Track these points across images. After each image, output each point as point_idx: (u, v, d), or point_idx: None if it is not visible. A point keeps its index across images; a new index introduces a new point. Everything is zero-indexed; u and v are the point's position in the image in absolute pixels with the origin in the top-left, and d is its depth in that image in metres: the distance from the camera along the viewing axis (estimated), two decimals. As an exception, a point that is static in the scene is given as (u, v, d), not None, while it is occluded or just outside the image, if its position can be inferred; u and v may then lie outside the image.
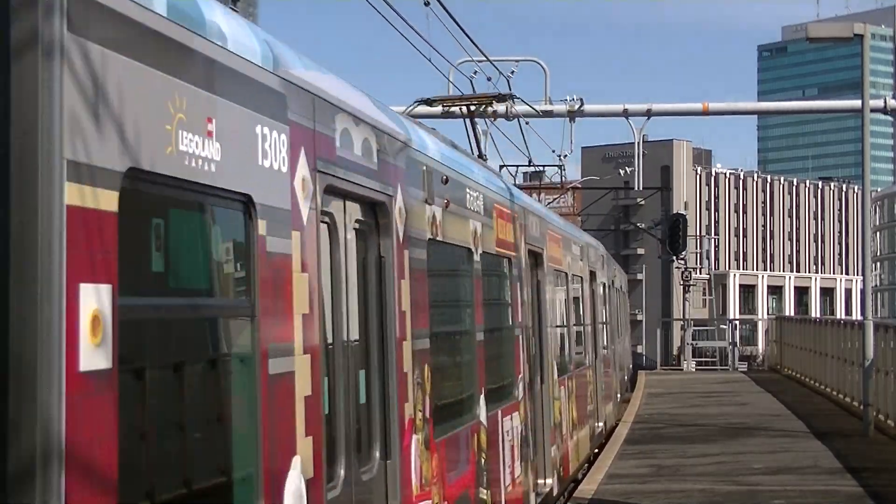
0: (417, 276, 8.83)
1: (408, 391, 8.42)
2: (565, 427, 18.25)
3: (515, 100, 24.59)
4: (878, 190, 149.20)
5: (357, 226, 7.70)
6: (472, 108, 18.25)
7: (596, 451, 23.44)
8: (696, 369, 56.45)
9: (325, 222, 6.97)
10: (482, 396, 11.41)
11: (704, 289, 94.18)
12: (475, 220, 11.37)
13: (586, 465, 21.89)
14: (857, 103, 29.92)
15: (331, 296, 7.12)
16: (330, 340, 7.05)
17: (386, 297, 8.08)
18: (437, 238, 9.60)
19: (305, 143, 6.43)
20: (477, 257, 11.40)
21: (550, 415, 16.49)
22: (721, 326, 64.77)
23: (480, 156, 16.83)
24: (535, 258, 16.11)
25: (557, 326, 18.35)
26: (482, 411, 11.36)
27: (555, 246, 17.94)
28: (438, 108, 31.15)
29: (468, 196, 11.11)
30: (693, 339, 61.44)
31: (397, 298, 8.23)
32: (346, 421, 7.23)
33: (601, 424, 24.96)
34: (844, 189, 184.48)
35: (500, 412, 12.36)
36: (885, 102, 32.85)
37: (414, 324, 8.66)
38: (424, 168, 9.30)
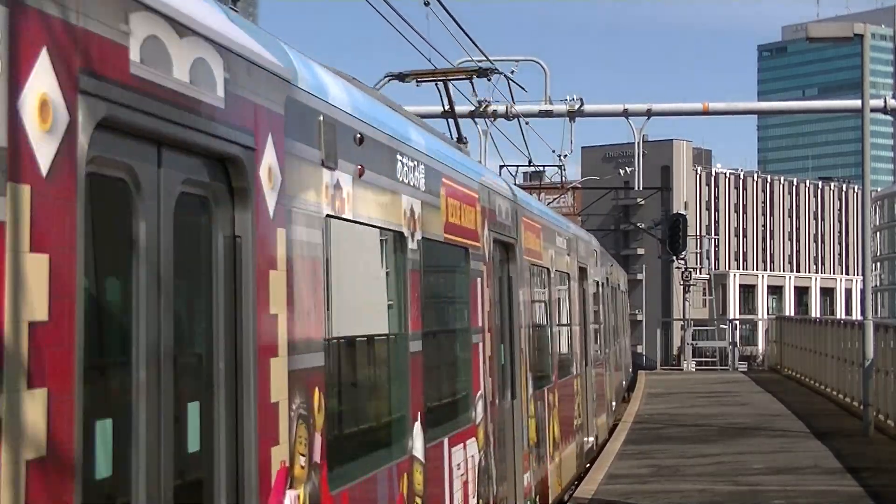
0: (303, 265, 6.31)
1: (278, 428, 5.87)
2: (544, 448, 15.96)
3: (500, 76, 23.64)
4: (878, 190, 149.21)
5: (189, 189, 5.18)
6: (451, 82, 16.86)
7: (588, 464, 21.93)
8: (696, 369, 56.45)
9: (117, 178, 4.59)
10: (417, 423, 8.72)
11: (704, 289, 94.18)
12: (410, 198, 8.72)
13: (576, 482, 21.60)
14: (857, 103, 29.91)
15: (137, 293, 4.71)
16: (117, 362, 4.69)
17: (241, 295, 5.57)
18: (343, 215, 7.11)
19: (53, 44, 4.00)
20: (413, 244, 8.76)
21: (523, 436, 14.03)
22: (721, 326, 64.81)
23: (460, 139, 14.87)
24: (506, 250, 13.77)
25: (536, 331, 15.90)
26: (417, 443, 8.72)
27: (532, 237, 15.60)
28: (438, 108, 31.20)
29: (400, 165, 8.49)
30: (693, 339, 61.46)
31: (261, 297, 5.71)
32: (149, 485, 4.68)
33: (591, 440, 22.56)
34: (844, 189, 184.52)
35: (446, 441, 9.82)
36: (885, 102, 32.84)
37: (294, 332, 6.11)
38: (321, 119, 6.76)
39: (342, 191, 7.03)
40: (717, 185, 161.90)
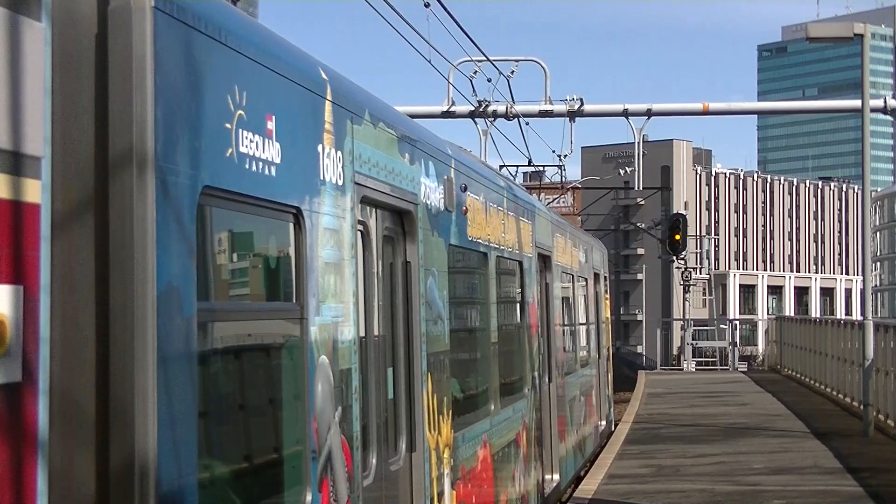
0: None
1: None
2: None
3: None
4: (878, 190, 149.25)
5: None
6: None
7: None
8: (696, 369, 56.45)
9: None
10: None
11: (704, 289, 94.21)
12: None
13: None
14: (857, 103, 29.91)
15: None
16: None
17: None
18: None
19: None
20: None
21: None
22: (721, 326, 64.82)
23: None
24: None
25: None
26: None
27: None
28: (438, 108, 31.23)
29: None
30: (693, 339, 61.45)
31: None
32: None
33: None
34: (844, 189, 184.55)
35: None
36: (885, 102, 32.82)
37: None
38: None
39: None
40: (717, 185, 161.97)
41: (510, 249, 13.50)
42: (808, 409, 30.02)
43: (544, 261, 16.88)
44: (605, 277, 28.71)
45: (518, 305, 14.41)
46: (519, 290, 14.39)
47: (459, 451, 10.14)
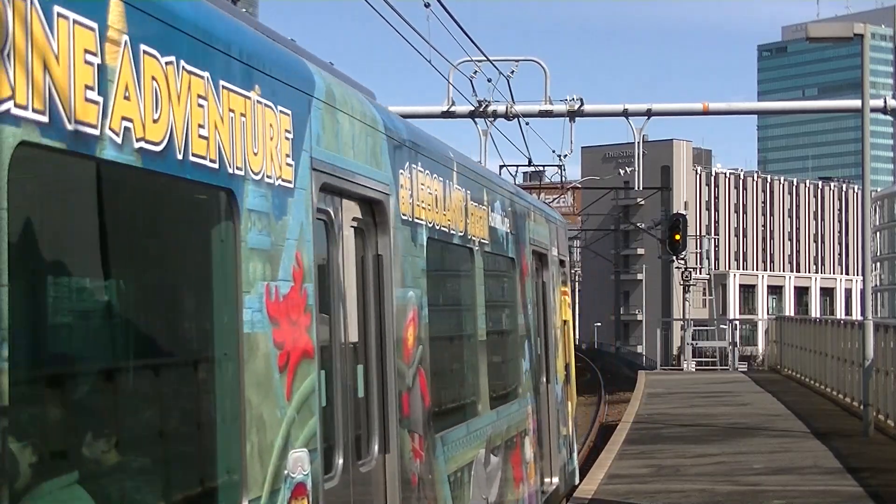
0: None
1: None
2: None
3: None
4: (878, 190, 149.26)
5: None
6: None
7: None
8: (696, 369, 56.47)
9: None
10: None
11: (704, 289, 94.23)
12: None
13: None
14: (857, 103, 29.90)
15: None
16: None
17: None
18: None
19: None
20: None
21: None
22: (721, 326, 64.85)
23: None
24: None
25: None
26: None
27: None
28: (438, 108, 31.23)
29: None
30: (693, 339, 61.46)
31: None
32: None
33: None
34: (844, 189, 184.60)
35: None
36: (885, 102, 32.82)
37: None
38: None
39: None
40: (717, 185, 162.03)
41: (153, 146, 4.68)
42: (808, 409, 30.02)
43: (371, 209, 7.85)
44: (562, 262, 18.25)
45: (207, 304, 5.51)
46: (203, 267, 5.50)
47: None
